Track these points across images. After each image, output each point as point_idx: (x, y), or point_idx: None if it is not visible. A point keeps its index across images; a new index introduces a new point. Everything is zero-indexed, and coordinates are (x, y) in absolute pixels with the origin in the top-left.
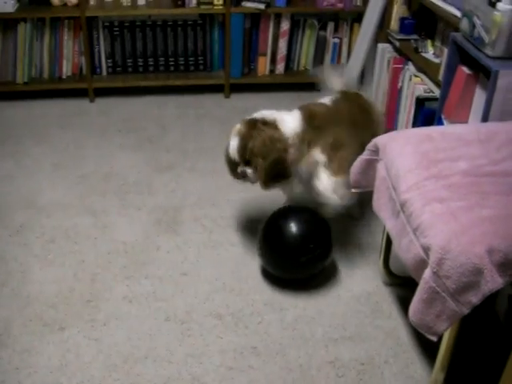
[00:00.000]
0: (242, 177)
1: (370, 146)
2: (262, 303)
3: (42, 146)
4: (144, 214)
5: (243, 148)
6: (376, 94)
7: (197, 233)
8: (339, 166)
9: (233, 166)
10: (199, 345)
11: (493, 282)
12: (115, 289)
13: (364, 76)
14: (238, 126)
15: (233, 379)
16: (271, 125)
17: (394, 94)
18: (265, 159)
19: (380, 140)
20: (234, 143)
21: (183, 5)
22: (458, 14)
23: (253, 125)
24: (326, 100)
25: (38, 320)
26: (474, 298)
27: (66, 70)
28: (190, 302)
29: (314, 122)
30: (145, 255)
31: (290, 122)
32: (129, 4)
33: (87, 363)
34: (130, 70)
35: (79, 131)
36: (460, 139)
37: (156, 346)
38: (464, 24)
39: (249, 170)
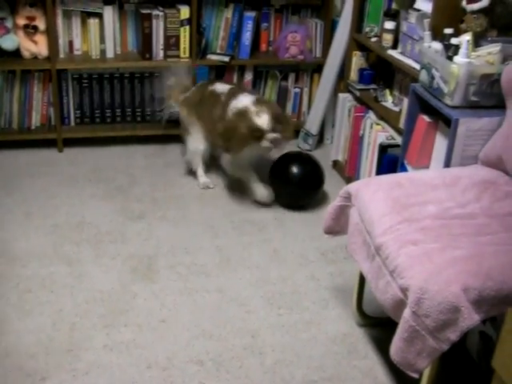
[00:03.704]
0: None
1: (341, 192)
2: (241, 348)
3: (13, 196)
4: (119, 263)
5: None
6: (337, 141)
7: (172, 280)
8: None
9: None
10: None
11: (470, 318)
12: (95, 337)
13: (324, 124)
14: (253, 108)
15: None
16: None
17: (356, 142)
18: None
19: (352, 187)
20: (265, 117)
21: (151, 58)
22: (414, 65)
23: (263, 102)
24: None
25: (19, 371)
26: (453, 335)
27: (35, 120)
28: (170, 348)
29: None
30: (122, 303)
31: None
32: (98, 57)
33: None
34: (97, 120)
35: (49, 181)
36: (427, 184)
37: None
38: (423, 76)
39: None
